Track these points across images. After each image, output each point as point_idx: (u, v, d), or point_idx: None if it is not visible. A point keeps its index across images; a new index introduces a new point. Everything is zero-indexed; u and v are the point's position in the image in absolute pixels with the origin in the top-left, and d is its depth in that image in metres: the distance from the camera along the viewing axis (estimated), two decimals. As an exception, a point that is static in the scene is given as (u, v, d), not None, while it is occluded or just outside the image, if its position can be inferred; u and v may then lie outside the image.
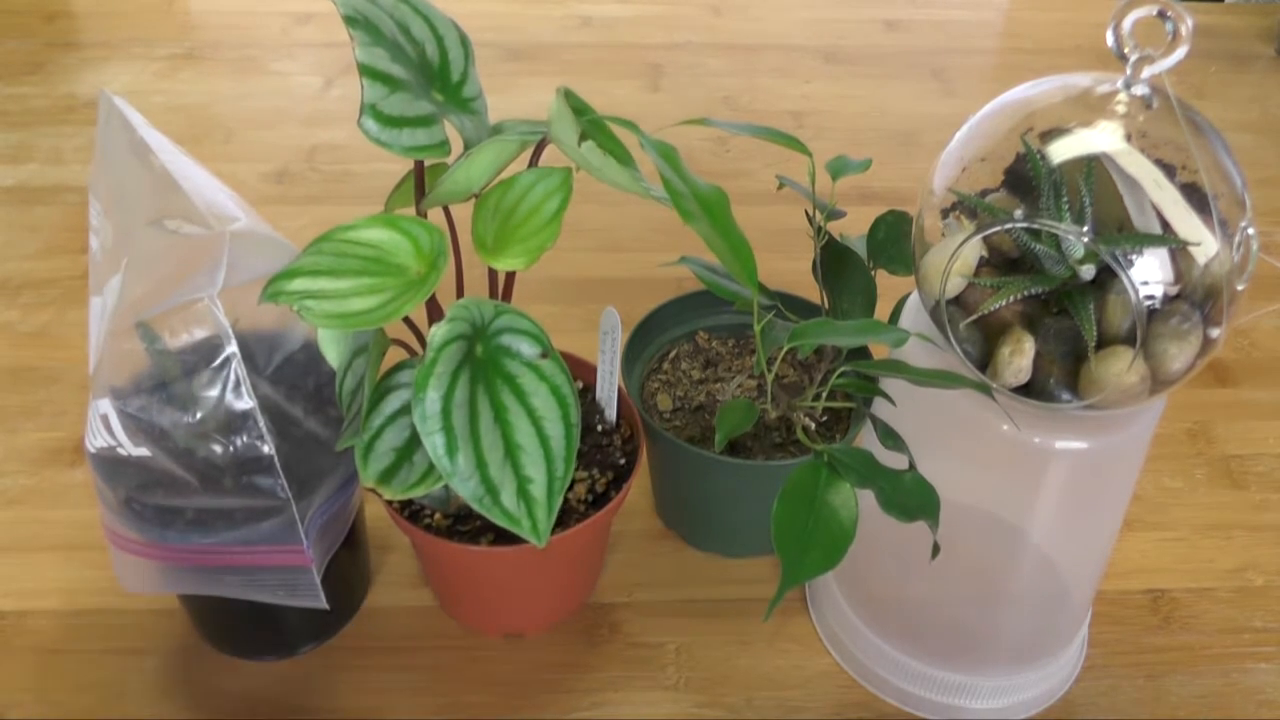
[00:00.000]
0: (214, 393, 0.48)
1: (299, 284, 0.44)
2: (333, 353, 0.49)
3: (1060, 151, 0.47)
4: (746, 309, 0.59)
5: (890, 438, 0.50)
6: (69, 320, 0.85)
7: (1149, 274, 0.45)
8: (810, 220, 0.61)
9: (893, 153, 1.07)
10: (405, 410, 0.49)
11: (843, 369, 0.52)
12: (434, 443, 0.44)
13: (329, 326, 0.44)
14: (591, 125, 0.48)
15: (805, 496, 0.47)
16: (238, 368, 0.48)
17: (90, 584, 0.65)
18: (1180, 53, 0.45)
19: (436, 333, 0.45)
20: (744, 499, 0.64)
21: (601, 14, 1.33)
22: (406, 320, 0.54)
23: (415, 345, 0.53)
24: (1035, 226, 0.46)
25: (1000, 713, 0.60)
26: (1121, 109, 0.47)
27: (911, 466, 0.49)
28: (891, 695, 0.61)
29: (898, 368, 0.49)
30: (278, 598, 0.53)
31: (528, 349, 0.47)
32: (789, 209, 0.95)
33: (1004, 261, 0.49)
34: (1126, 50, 0.46)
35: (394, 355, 0.53)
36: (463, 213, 0.52)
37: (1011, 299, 0.47)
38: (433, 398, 0.44)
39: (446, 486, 0.52)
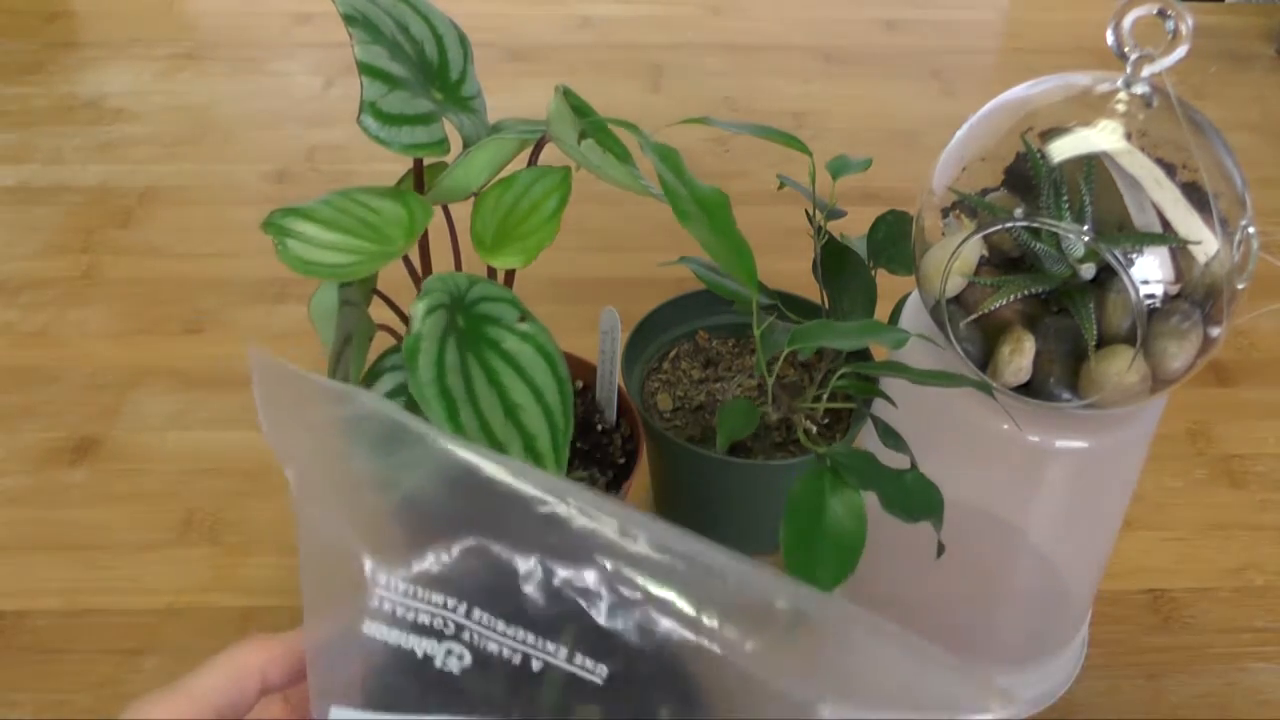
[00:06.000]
0: None
1: (292, 222, 0.45)
2: (325, 336, 0.49)
3: (1060, 150, 0.47)
4: (746, 309, 0.59)
5: (891, 437, 0.50)
6: (69, 320, 0.85)
7: (1149, 273, 0.45)
8: (810, 220, 0.61)
9: (893, 153, 1.07)
10: (396, 393, 0.49)
11: (843, 369, 0.52)
12: (435, 409, 0.44)
13: (293, 268, 0.44)
14: (591, 125, 0.48)
15: (812, 510, 0.46)
16: None
17: (90, 584, 0.65)
18: (1180, 51, 0.45)
19: (418, 305, 0.45)
20: (744, 498, 0.64)
21: (601, 14, 1.33)
22: (393, 305, 0.54)
23: (402, 330, 0.54)
24: (1035, 225, 0.46)
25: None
26: (1121, 108, 0.47)
27: (913, 466, 0.49)
28: (891, 695, 0.61)
29: (898, 368, 0.49)
30: None
31: (507, 314, 0.48)
32: (789, 209, 0.94)
33: (1004, 261, 0.49)
34: (1126, 49, 0.46)
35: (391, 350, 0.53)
36: (462, 211, 0.52)
37: (1012, 298, 0.47)
38: (425, 364, 0.44)
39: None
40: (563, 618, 0.29)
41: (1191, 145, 0.46)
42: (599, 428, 0.62)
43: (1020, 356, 0.47)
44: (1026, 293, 0.47)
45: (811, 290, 0.63)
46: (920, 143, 1.10)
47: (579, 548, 0.28)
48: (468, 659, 0.29)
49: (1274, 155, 1.11)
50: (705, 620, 0.28)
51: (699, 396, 0.67)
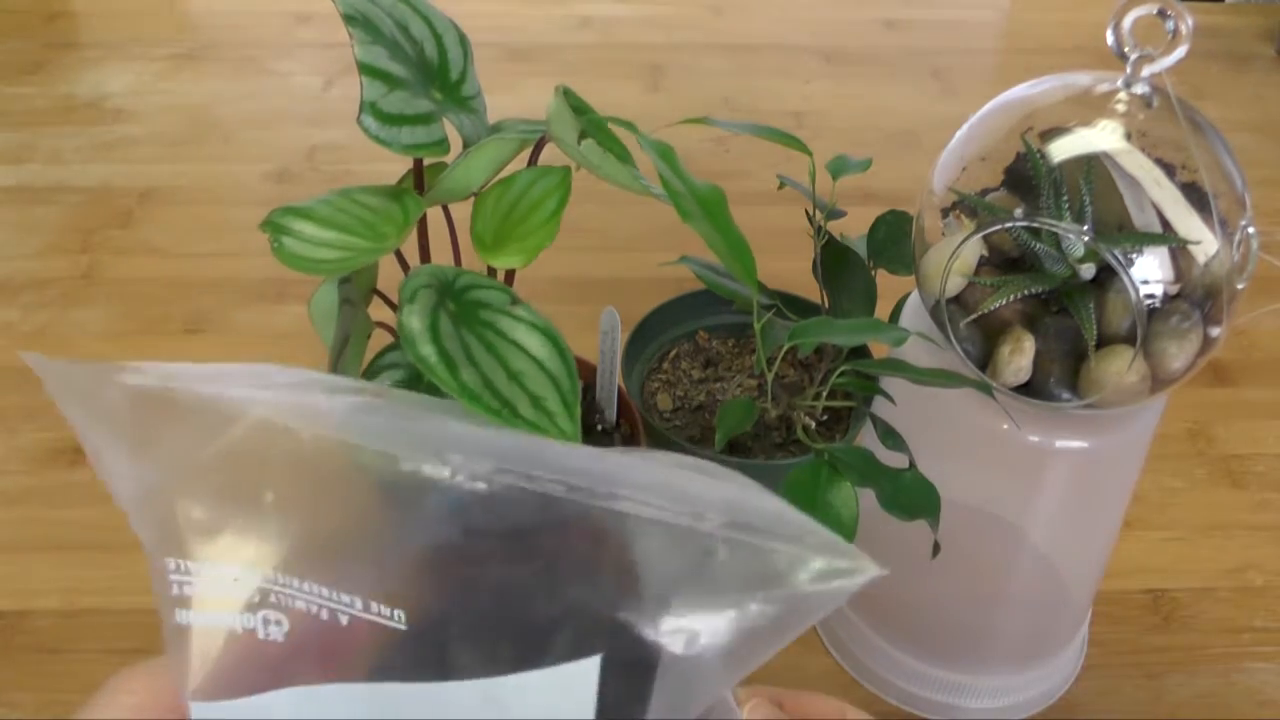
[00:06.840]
0: None
1: (290, 220, 0.45)
2: (325, 336, 0.49)
3: (1060, 150, 0.47)
4: (746, 308, 0.59)
5: (890, 437, 0.50)
6: (69, 320, 0.84)
7: (1149, 273, 0.45)
8: (810, 220, 0.61)
9: (893, 153, 1.07)
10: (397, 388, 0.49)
11: (843, 368, 0.52)
12: (436, 368, 0.41)
13: (288, 265, 0.43)
14: (591, 124, 0.48)
15: (805, 495, 0.47)
16: None
17: (90, 584, 0.65)
18: (1180, 51, 0.45)
19: (405, 286, 0.44)
20: (744, 499, 0.64)
21: (601, 14, 1.33)
22: (391, 305, 0.54)
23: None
24: (1035, 225, 0.46)
25: (1000, 712, 0.60)
26: (1121, 108, 0.47)
27: (911, 465, 0.49)
28: (892, 695, 0.61)
29: (898, 367, 0.49)
30: None
31: (498, 299, 0.47)
32: (789, 209, 0.95)
33: (1004, 261, 0.49)
34: (1126, 49, 0.46)
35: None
36: (462, 211, 0.52)
37: (1011, 298, 0.47)
38: (419, 328, 0.43)
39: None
40: (347, 564, 0.26)
41: (1191, 145, 0.46)
42: (599, 428, 0.62)
43: (1020, 356, 0.47)
44: (1026, 293, 0.47)
45: (811, 290, 0.63)
46: (920, 143, 1.10)
47: (353, 485, 0.25)
48: (285, 624, 0.27)
49: (1274, 155, 1.11)
50: (507, 542, 0.25)
51: (699, 396, 0.67)
